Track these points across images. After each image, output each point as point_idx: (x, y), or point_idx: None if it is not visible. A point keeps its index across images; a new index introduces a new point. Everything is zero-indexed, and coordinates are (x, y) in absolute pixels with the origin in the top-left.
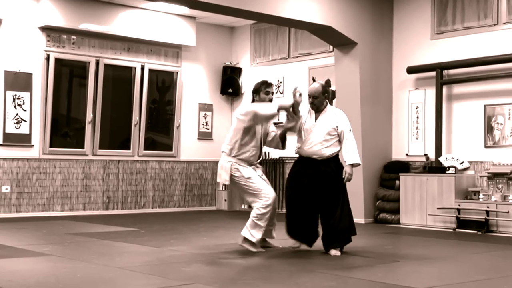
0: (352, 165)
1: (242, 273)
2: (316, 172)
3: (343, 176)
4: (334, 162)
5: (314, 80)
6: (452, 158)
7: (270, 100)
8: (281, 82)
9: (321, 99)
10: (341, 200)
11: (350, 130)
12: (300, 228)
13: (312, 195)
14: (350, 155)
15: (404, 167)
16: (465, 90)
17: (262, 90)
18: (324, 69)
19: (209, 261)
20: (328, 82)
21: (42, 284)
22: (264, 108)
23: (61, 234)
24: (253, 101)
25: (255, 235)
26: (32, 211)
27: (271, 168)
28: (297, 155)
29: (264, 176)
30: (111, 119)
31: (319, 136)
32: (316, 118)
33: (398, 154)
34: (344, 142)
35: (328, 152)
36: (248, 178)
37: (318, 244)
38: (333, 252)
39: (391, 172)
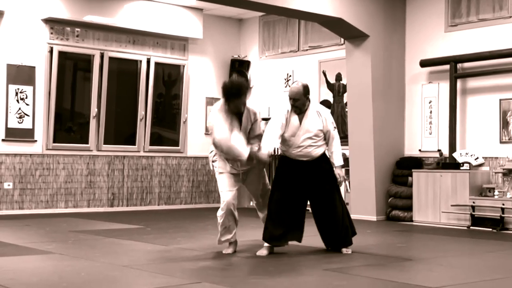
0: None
1: (250, 272)
2: (308, 172)
3: (338, 179)
4: (324, 160)
5: (324, 74)
6: (466, 153)
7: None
8: (290, 76)
9: (303, 100)
10: (338, 197)
11: (335, 128)
12: (288, 228)
13: (303, 195)
14: (337, 156)
15: (417, 163)
16: (479, 84)
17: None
18: (335, 63)
19: (216, 259)
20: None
21: (45, 282)
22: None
23: (64, 232)
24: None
25: (219, 237)
26: (35, 208)
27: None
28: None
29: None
30: (116, 113)
31: (306, 139)
32: (300, 120)
33: (411, 149)
34: (330, 142)
35: (317, 152)
36: (220, 173)
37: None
38: (345, 250)
39: (403, 168)
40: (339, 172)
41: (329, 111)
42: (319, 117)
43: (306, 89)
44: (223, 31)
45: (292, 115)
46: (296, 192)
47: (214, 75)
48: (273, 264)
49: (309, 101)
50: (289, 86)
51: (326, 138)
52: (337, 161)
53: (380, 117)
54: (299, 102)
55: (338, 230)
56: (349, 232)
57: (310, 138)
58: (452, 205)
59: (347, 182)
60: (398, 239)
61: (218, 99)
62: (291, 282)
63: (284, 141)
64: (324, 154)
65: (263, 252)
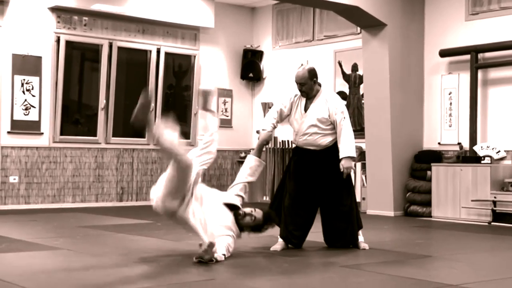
0: (349, 158)
1: (264, 268)
2: (316, 163)
3: (341, 171)
4: (333, 151)
5: (340, 65)
6: (487, 147)
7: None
8: (301, 65)
9: (309, 85)
10: (345, 193)
11: (344, 118)
12: (299, 228)
13: (313, 189)
14: (344, 147)
15: (436, 156)
16: (501, 74)
17: None
18: (351, 52)
19: (230, 255)
20: (355, 67)
21: (53, 279)
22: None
23: (72, 227)
24: None
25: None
26: (41, 203)
27: (279, 156)
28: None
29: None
30: (125, 105)
31: (310, 126)
32: (306, 106)
33: (429, 143)
34: (338, 131)
35: (324, 142)
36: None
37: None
38: (363, 245)
39: (422, 162)
40: (343, 163)
41: (339, 98)
42: (326, 104)
43: (311, 73)
44: (235, 20)
45: (300, 100)
46: (308, 185)
47: (226, 65)
48: (288, 261)
49: (319, 86)
50: None
51: (335, 127)
52: (343, 151)
53: (398, 109)
54: (306, 87)
55: (340, 228)
56: (354, 230)
57: (315, 126)
58: (472, 200)
59: (363, 176)
60: (417, 235)
61: (230, 90)
62: (307, 279)
63: (293, 128)
64: (335, 144)
65: (277, 247)
